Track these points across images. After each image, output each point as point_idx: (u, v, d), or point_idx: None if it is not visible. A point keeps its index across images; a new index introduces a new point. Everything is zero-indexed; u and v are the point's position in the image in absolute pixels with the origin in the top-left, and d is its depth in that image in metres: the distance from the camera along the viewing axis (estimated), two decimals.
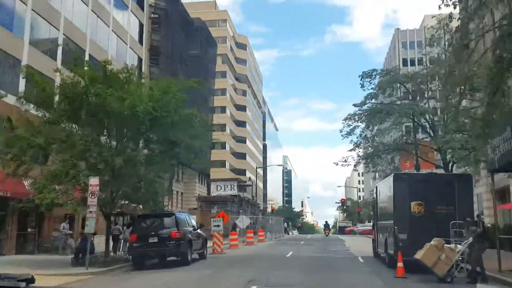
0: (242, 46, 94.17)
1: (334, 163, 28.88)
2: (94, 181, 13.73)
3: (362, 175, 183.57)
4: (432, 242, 11.75)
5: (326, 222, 50.52)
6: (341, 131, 26.79)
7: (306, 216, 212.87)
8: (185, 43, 48.83)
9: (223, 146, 79.44)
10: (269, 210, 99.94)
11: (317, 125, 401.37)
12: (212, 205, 37.19)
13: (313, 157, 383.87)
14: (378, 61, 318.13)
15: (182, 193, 46.61)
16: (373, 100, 26.33)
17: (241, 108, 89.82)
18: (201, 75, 51.38)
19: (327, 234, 49.27)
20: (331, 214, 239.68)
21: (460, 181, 14.51)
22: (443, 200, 14.08)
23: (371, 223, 61.03)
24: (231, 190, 39.29)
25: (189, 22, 50.24)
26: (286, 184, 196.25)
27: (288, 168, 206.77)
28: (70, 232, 21.16)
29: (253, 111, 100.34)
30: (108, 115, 15.51)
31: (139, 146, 17.55)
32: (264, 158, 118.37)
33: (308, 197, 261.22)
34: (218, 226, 20.74)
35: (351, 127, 26.75)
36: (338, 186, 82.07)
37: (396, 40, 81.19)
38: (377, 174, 37.77)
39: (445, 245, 11.68)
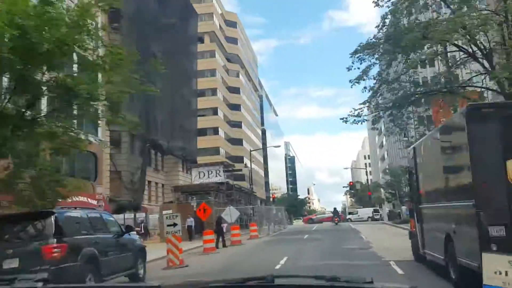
0: (231, 24, 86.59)
1: (342, 119, 20.17)
2: None
3: (369, 157, 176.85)
4: None
5: (335, 208, 43.66)
6: (350, 81, 19.19)
7: (312, 204, 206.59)
8: (158, 8, 41.42)
9: (215, 131, 72.47)
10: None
11: (319, 112, 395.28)
12: (193, 196, 30.28)
13: (317, 144, 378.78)
14: None
15: (163, 184, 39.67)
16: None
17: (235, 90, 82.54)
18: (179, 51, 44.14)
19: (336, 222, 42.27)
20: (339, 200, 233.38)
21: None
22: None
23: (383, 208, 54.28)
24: (216, 176, 32.31)
25: None
26: (290, 172, 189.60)
27: (291, 155, 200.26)
28: None
29: (249, 94, 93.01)
30: None
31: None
32: (264, 144, 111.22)
33: (314, 184, 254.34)
34: (174, 225, 13.67)
35: (363, 64, 18.61)
36: (344, 168, 74.39)
37: None
38: (396, 141, 30.04)
39: None
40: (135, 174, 31.62)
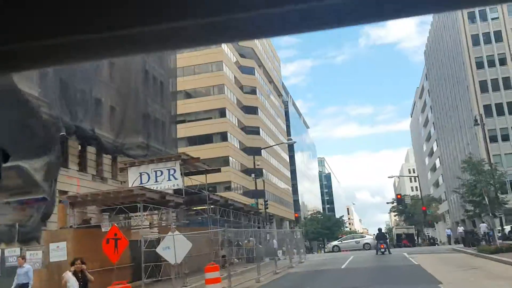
0: None
1: None
2: None
3: (414, 171, 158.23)
4: None
5: (380, 230, 28.81)
6: None
7: (352, 224, 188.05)
8: None
9: (223, 137, 59.18)
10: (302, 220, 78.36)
11: (357, 131, 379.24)
12: (117, 214, 16.81)
13: (356, 163, 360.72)
14: (416, 60, 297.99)
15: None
16: None
17: (250, 90, 69.48)
18: None
19: (383, 250, 27.41)
20: (382, 221, 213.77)
21: None
22: None
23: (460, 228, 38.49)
24: (169, 180, 18.58)
25: None
26: (326, 190, 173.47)
27: (327, 172, 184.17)
28: None
29: (269, 97, 79.64)
30: None
31: None
32: (291, 157, 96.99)
33: (354, 204, 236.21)
34: None
35: None
36: (388, 177, 59.73)
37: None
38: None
39: None
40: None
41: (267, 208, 47.56)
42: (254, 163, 37.60)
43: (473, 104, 51.63)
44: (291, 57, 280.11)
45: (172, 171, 19.42)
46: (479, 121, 35.90)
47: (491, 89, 50.71)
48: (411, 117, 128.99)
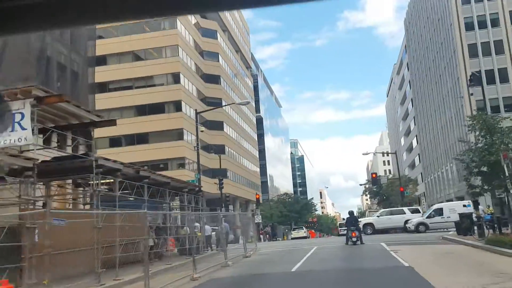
0: None
1: None
2: None
3: (388, 155, 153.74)
4: None
5: (351, 213, 21.74)
6: None
7: (325, 208, 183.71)
8: None
9: (177, 107, 51.34)
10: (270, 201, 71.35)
11: (334, 116, 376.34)
12: None
13: (331, 148, 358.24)
14: (393, 45, 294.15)
15: None
16: None
17: (211, 55, 61.47)
18: None
19: (354, 239, 20.59)
20: (354, 205, 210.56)
21: None
22: None
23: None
24: (15, 130, 11.21)
25: None
26: (299, 173, 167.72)
27: (300, 154, 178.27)
28: None
29: (234, 67, 71.79)
30: None
31: None
32: (260, 136, 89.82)
33: (327, 187, 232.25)
34: None
35: None
36: (363, 154, 53.40)
37: None
38: None
39: None
40: None
41: (222, 187, 40.34)
42: (197, 134, 30.12)
43: (461, 70, 45.39)
44: (269, 40, 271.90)
45: (19, 117, 11.76)
46: (469, 83, 29.40)
47: (481, 54, 44.42)
48: (387, 97, 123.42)
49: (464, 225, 20.59)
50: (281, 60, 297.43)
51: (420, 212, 33.94)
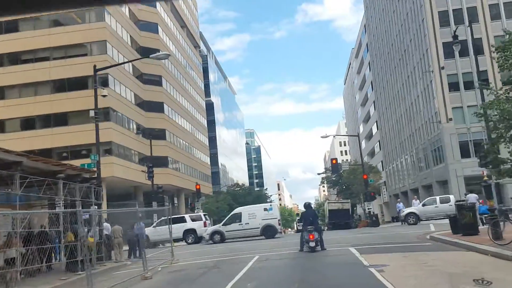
0: None
1: None
2: None
3: (346, 144, 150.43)
4: None
5: (308, 205, 14.60)
6: None
7: (283, 200, 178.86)
8: None
9: (104, 82, 42.87)
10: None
11: (293, 108, 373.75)
12: None
13: (290, 140, 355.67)
14: (350, 39, 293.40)
15: None
16: None
17: (148, 27, 53.29)
18: None
19: (313, 244, 13.74)
20: (312, 196, 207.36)
21: None
22: None
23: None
24: None
25: None
26: (255, 164, 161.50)
27: (256, 145, 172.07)
28: None
29: (178, 42, 63.74)
30: None
31: None
32: (210, 122, 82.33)
33: (285, 179, 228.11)
34: None
35: None
36: (322, 137, 47.94)
37: None
38: None
39: None
40: None
41: (152, 176, 32.79)
42: (95, 96, 22.52)
43: (431, 41, 40.03)
44: (228, 31, 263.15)
45: None
46: (454, 40, 23.91)
47: (453, 22, 39.10)
48: (345, 84, 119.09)
49: (465, 220, 14.41)
50: (241, 52, 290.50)
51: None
